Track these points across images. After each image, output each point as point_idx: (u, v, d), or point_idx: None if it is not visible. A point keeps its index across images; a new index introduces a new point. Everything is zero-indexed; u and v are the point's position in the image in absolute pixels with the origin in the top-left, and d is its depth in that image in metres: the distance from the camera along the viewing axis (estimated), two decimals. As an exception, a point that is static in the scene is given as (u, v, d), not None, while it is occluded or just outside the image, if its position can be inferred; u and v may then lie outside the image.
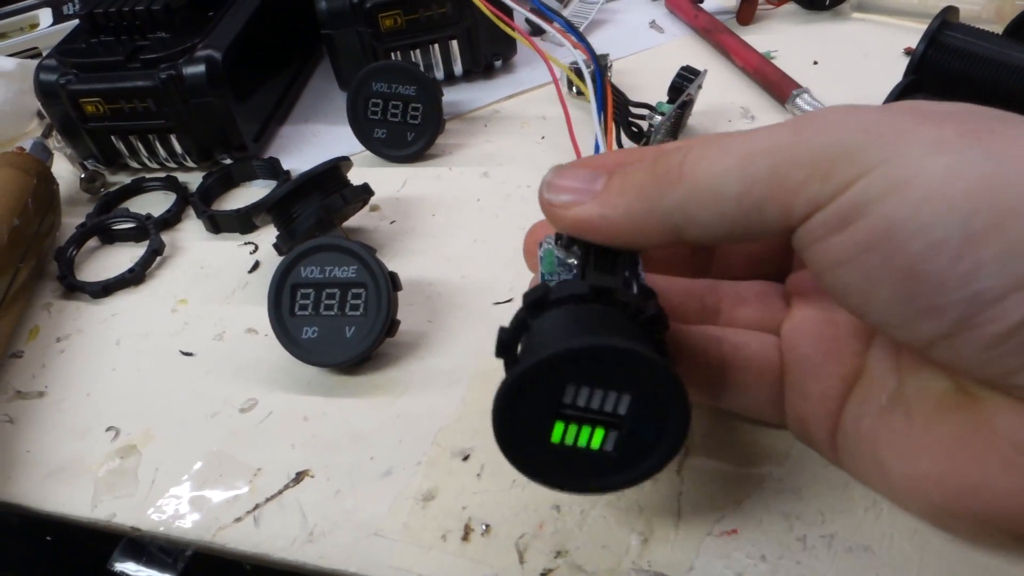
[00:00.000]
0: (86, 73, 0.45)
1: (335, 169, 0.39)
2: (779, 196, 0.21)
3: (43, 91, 0.46)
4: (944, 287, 0.18)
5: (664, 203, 0.23)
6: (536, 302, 0.23)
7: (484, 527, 0.28)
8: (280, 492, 0.30)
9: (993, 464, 0.20)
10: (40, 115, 0.56)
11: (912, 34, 0.50)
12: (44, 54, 0.62)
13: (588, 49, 0.43)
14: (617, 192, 0.24)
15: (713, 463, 0.29)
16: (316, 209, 0.37)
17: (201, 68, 0.43)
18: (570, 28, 0.45)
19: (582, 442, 0.22)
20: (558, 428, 0.22)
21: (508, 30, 0.45)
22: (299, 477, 0.31)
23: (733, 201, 0.21)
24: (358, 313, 0.34)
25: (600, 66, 0.39)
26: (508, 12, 0.46)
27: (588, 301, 0.23)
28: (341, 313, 0.34)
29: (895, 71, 0.47)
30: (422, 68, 0.49)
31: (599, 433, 0.22)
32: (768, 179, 0.21)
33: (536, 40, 0.55)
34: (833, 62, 0.49)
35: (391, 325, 0.34)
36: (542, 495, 0.28)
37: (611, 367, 0.21)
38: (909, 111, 0.20)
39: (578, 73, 0.45)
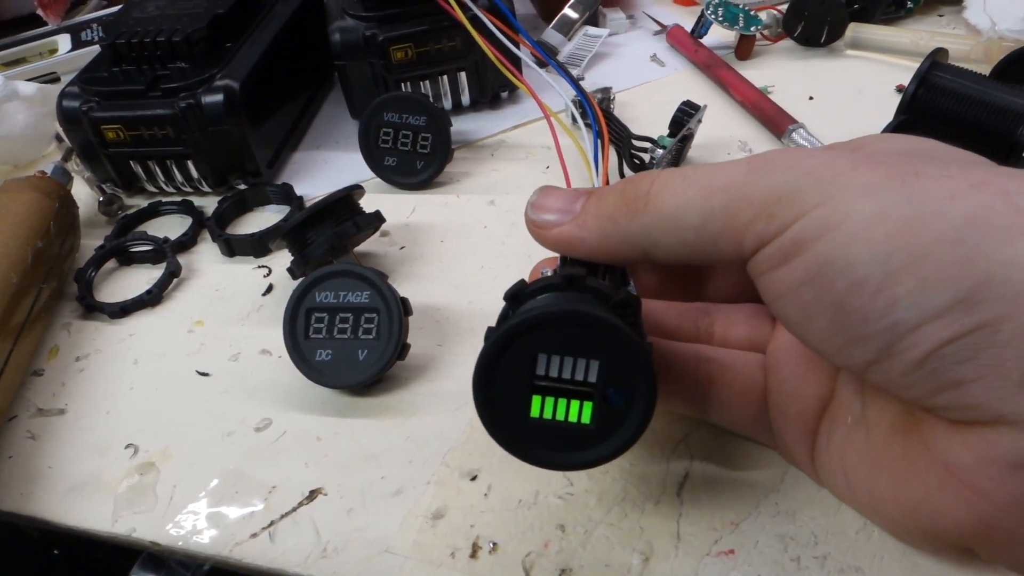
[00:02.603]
0: (108, 100, 0.46)
1: (348, 197, 0.41)
2: (731, 231, 0.23)
3: (66, 117, 0.47)
4: (867, 319, 0.21)
5: (631, 228, 0.25)
6: (514, 294, 0.26)
7: (492, 545, 0.29)
8: (294, 509, 0.32)
9: (932, 483, 0.22)
10: (58, 139, 0.57)
11: (904, 71, 0.52)
12: (62, 79, 0.64)
13: (579, 91, 0.44)
14: (592, 215, 0.26)
15: (712, 486, 0.30)
16: (330, 236, 0.39)
17: (219, 97, 0.45)
18: (563, 73, 0.47)
19: (560, 415, 0.24)
20: (536, 402, 0.24)
21: (509, 75, 0.46)
22: (312, 495, 0.32)
23: (692, 231, 0.24)
24: (371, 337, 0.35)
25: (592, 106, 0.41)
26: (513, 57, 0.48)
27: (561, 289, 0.25)
28: (354, 337, 0.35)
29: (887, 107, 0.49)
30: (431, 98, 0.51)
31: (575, 405, 0.24)
32: (723, 214, 0.23)
33: (535, 75, 0.57)
34: (828, 97, 0.51)
35: (402, 349, 0.35)
36: (547, 514, 0.30)
37: (577, 334, 0.23)
38: (849, 155, 0.23)
39: (571, 117, 0.47)
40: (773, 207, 0.22)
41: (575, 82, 0.43)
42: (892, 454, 0.24)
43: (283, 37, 0.52)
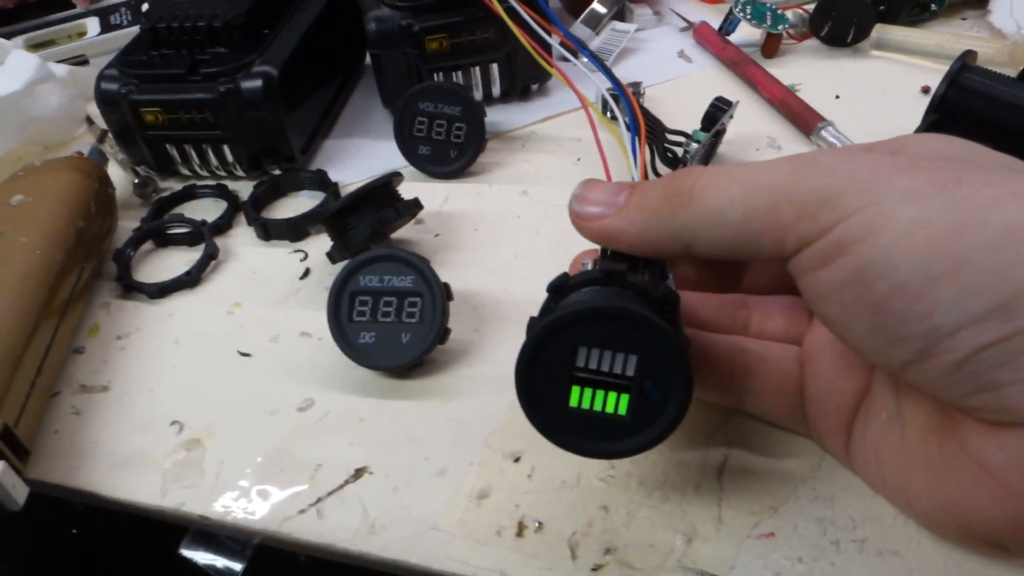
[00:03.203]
0: (147, 84, 0.47)
1: (388, 184, 0.41)
2: (774, 230, 0.24)
3: (104, 99, 0.48)
4: (907, 321, 0.21)
5: (674, 222, 0.26)
6: (557, 287, 0.27)
7: (537, 524, 0.30)
8: (341, 487, 0.32)
9: (968, 482, 0.23)
10: (89, 121, 0.58)
11: (929, 73, 0.53)
12: (91, 62, 0.64)
13: (614, 82, 0.45)
14: (635, 208, 0.27)
15: (750, 472, 0.31)
16: (371, 222, 0.40)
17: (259, 83, 0.46)
18: (596, 62, 0.47)
19: (597, 406, 0.24)
20: (575, 392, 0.25)
21: (544, 64, 0.47)
22: (358, 473, 0.33)
23: (734, 228, 0.24)
24: (414, 320, 0.36)
25: (629, 98, 0.41)
26: (547, 47, 0.49)
27: (602, 284, 0.26)
28: (398, 320, 0.36)
29: (913, 108, 0.49)
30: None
31: (612, 397, 0.24)
32: (766, 213, 0.24)
33: (567, 67, 0.58)
34: (854, 97, 0.52)
35: (444, 333, 0.36)
36: (590, 496, 0.31)
37: (617, 329, 0.24)
38: (892, 159, 0.23)
39: (604, 105, 0.48)
40: (816, 208, 0.23)
41: (610, 73, 0.44)
42: (927, 452, 0.25)
43: (318, 25, 0.52)
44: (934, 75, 0.52)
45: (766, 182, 0.24)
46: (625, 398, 0.25)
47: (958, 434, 0.23)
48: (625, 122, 0.40)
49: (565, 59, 0.58)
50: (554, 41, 0.47)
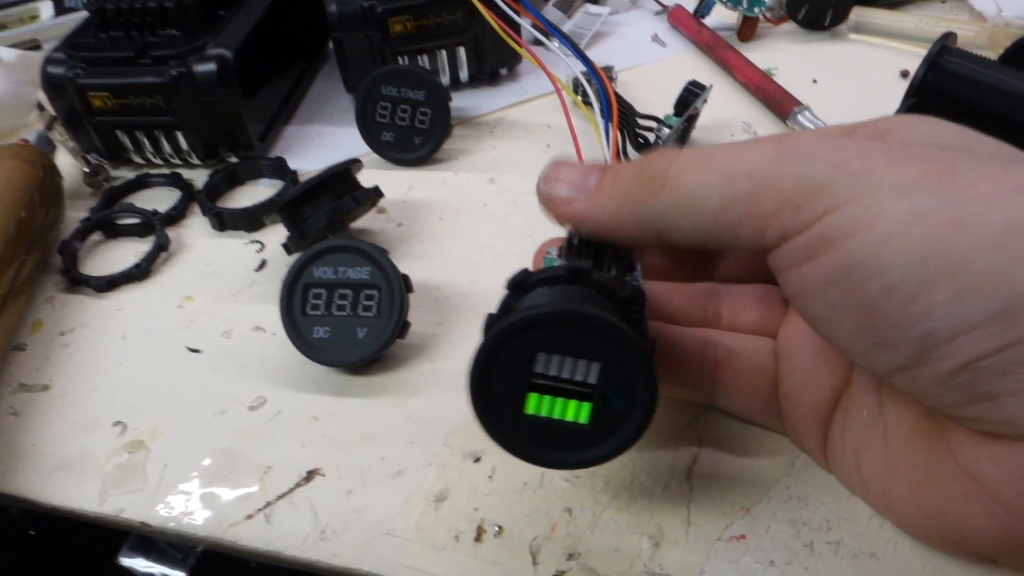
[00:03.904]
0: (95, 67, 0.45)
1: (346, 171, 0.39)
2: (753, 219, 0.22)
3: (50, 84, 0.45)
4: (899, 325, 0.20)
5: (647, 208, 0.24)
6: (517, 283, 0.25)
7: (497, 528, 0.28)
8: (291, 490, 0.31)
9: (957, 493, 0.21)
10: (40, 107, 0.55)
11: (907, 57, 0.52)
12: (44, 46, 0.62)
13: (587, 64, 0.43)
14: (607, 192, 0.25)
15: (722, 471, 0.29)
16: (328, 211, 0.38)
17: (212, 67, 0.44)
18: (569, 45, 0.45)
19: (556, 413, 0.23)
20: (532, 399, 0.23)
21: (515, 46, 0.45)
22: (310, 476, 0.31)
23: (711, 216, 0.22)
24: (371, 314, 0.34)
25: (603, 81, 0.40)
26: (516, 28, 0.47)
27: (566, 282, 0.24)
28: (353, 314, 0.34)
29: (892, 91, 0.48)
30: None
31: (572, 405, 0.23)
32: (745, 201, 0.22)
33: (539, 50, 0.56)
34: (832, 81, 0.51)
35: (403, 327, 0.34)
36: (554, 498, 0.29)
37: (579, 334, 0.22)
38: (882, 147, 0.21)
39: (577, 88, 0.46)
40: (800, 199, 0.21)
41: (583, 55, 0.42)
42: (912, 457, 0.23)
43: (277, 6, 0.50)
44: (913, 58, 0.51)
45: (746, 168, 0.22)
46: (586, 406, 0.23)
47: (947, 442, 0.22)
48: (600, 108, 0.38)
49: (538, 42, 0.56)
50: (525, 23, 0.46)
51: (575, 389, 0.23)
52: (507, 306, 0.25)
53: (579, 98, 0.50)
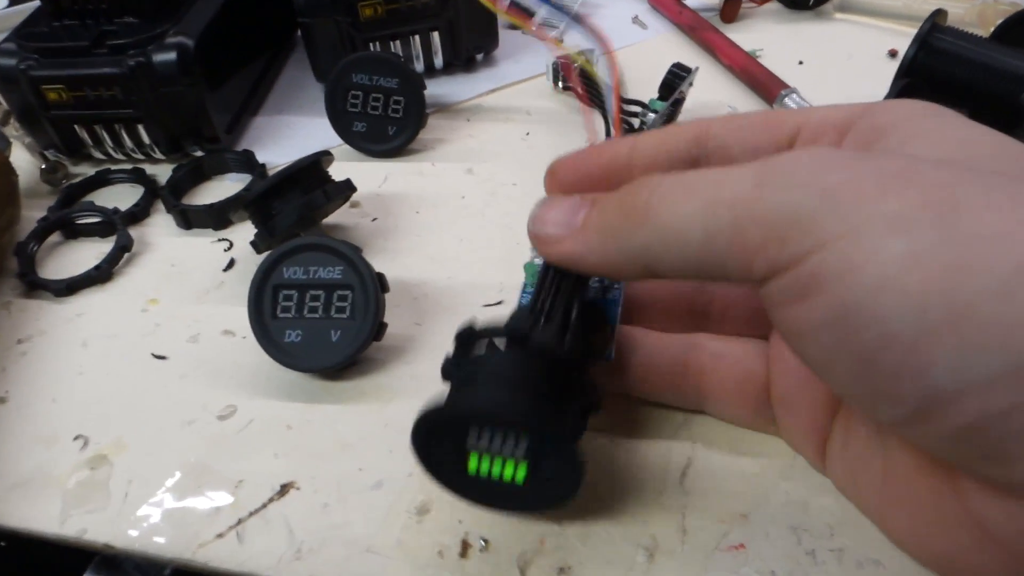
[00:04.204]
0: (48, 59, 0.42)
1: (316, 164, 0.37)
2: (739, 252, 0.20)
3: (1, 77, 0.43)
4: (898, 377, 0.18)
5: (631, 243, 0.22)
6: (464, 338, 0.26)
7: (483, 543, 0.27)
8: (264, 506, 0.29)
9: (965, 540, 0.20)
10: (-6, 101, 0.53)
11: (895, 36, 0.51)
12: (-2, 36, 0.59)
13: (586, 32, 0.41)
14: (593, 229, 0.24)
15: (717, 475, 0.28)
16: (297, 206, 0.36)
17: (172, 55, 0.41)
18: (560, 10, 0.43)
19: (495, 474, 0.24)
20: (472, 459, 0.24)
21: (501, 12, 0.43)
22: (284, 489, 0.29)
23: (695, 249, 0.21)
24: (344, 316, 0.32)
25: (608, 57, 0.38)
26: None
27: (508, 344, 0.25)
28: (326, 316, 0.32)
29: (880, 72, 0.47)
30: (402, 59, 0.47)
31: (509, 466, 0.24)
32: (729, 233, 0.20)
33: (515, 34, 0.54)
34: (818, 62, 0.49)
35: (379, 328, 0.33)
36: (541, 508, 0.28)
37: (506, 423, 0.23)
38: (875, 170, 0.19)
39: (556, 75, 0.44)
40: (785, 231, 0.19)
41: (577, 20, 0.40)
42: (916, 495, 0.21)
43: (241, -9, 0.48)
44: (901, 38, 0.50)
45: (728, 196, 0.20)
46: (523, 467, 0.24)
47: (956, 486, 0.20)
48: (568, 88, 0.37)
49: (512, 27, 0.55)
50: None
51: (510, 455, 0.24)
52: (455, 361, 0.26)
53: (558, 86, 0.48)
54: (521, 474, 0.24)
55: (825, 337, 0.19)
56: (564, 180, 0.27)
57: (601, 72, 0.40)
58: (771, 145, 0.24)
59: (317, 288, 0.32)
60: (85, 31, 0.43)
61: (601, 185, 0.27)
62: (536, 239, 0.25)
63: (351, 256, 0.32)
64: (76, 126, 0.44)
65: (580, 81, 0.45)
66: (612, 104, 0.34)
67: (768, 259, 0.19)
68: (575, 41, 0.42)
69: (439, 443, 0.24)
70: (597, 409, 0.26)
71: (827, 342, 0.19)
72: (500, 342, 0.25)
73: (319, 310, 0.32)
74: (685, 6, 0.53)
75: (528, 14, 0.46)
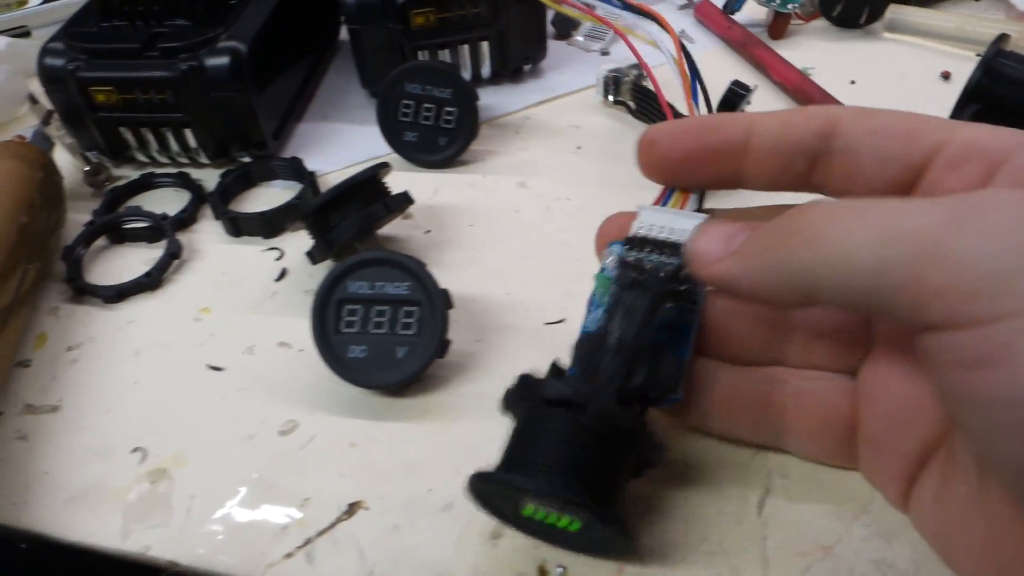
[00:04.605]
0: (98, 60, 0.42)
1: (375, 176, 0.37)
2: (914, 291, 0.18)
3: (48, 76, 0.42)
4: None
5: (793, 264, 0.21)
6: (520, 395, 0.26)
7: (561, 570, 0.26)
8: (333, 525, 0.28)
9: None
10: (32, 100, 0.52)
11: (946, 57, 0.50)
12: (34, 33, 0.58)
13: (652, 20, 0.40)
14: (752, 250, 0.23)
15: (795, 505, 0.27)
16: (357, 219, 0.35)
17: (225, 60, 0.41)
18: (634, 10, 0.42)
19: (550, 521, 0.25)
20: (527, 509, 0.25)
21: (574, 13, 0.42)
22: (352, 509, 0.29)
23: (863, 277, 0.19)
24: (410, 332, 0.32)
25: (674, 41, 0.37)
26: (543, 11, 0.44)
27: (564, 407, 0.25)
28: (391, 332, 0.32)
29: (933, 94, 0.47)
30: (450, 69, 0.47)
31: (564, 520, 0.24)
32: (905, 267, 0.18)
33: (561, 46, 0.54)
34: (870, 82, 0.49)
35: (443, 345, 0.32)
36: (618, 535, 0.27)
37: (561, 502, 0.24)
38: None
39: (607, 88, 0.44)
40: (976, 283, 0.17)
41: (647, 12, 0.39)
42: (1020, 556, 0.20)
43: (290, -4, 0.48)
44: (952, 59, 0.50)
45: (909, 227, 0.18)
46: (577, 523, 0.25)
47: None
48: (619, 102, 0.36)
49: (561, 36, 0.54)
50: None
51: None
52: (514, 400, 0.26)
53: (607, 99, 0.48)
54: (576, 526, 0.25)
55: (1005, 413, 0.17)
56: (666, 154, 0.26)
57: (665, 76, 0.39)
58: (906, 158, 0.23)
59: (383, 303, 0.32)
60: (135, 33, 0.42)
61: (711, 166, 0.26)
62: (691, 258, 0.24)
63: (418, 272, 0.32)
64: (122, 128, 0.44)
65: (632, 95, 0.45)
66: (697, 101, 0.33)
67: (948, 307, 0.18)
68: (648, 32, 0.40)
69: (496, 496, 0.25)
70: (655, 467, 0.26)
71: (1006, 419, 0.17)
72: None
73: (384, 326, 0.32)
74: (734, 21, 0.53)
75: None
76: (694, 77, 0.35)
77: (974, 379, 0.18)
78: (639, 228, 0.28)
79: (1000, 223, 0.18)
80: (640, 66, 0.45)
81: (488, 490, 0.25)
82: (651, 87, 0.44)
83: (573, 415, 0.24)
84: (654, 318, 0.26)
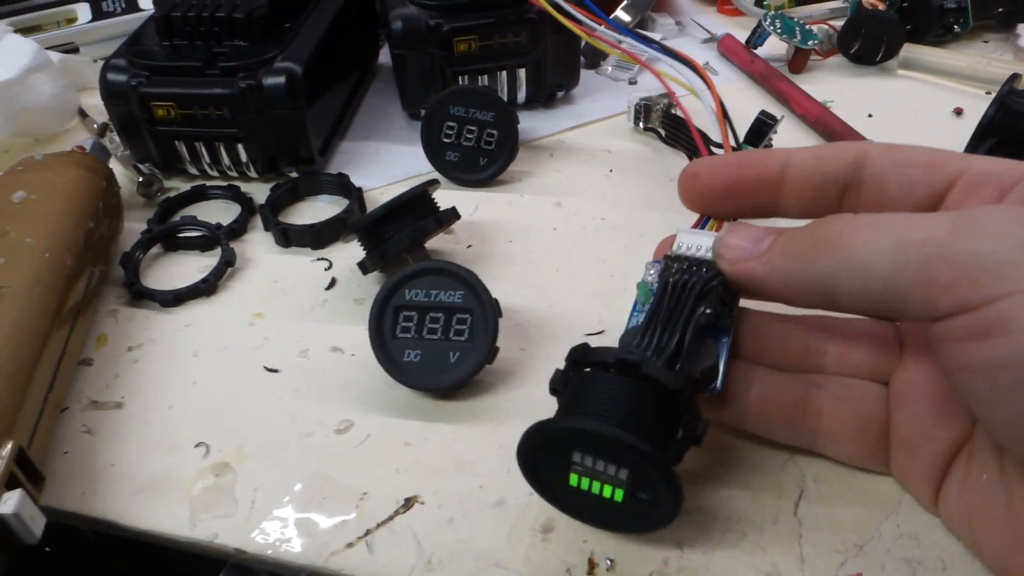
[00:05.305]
0: (160, 76, 0.44)
1: (425, 192, 0.39)
2: (926, 288, 0.21)
3: (110, 91, 0.44)
4: None
5: (817, 268, 0.24)
6: (574, 360, 0.28)
7: (609, 562, 0.28)
8: (391, 518, 0.30)
9: None
10: (82, 113, 0.54)
11: (958, 95, 0.53)
12: (82, 50, 0.61)
13: (682, 61, 0.42)
14: (779, 253, 0.26)
15: (828, 505, 0.29)
16: (410, 232, 0.37)
17: (281, 80, 0.43)
18: (661, 50, 0.45)
19: (595, 490, 0.26)
20: (573, 477, 0.26)
21: (605, 47, 0.44)
22: (408, 503, 0.31)
23: (881, 281, 0.22)
24: (463, 339, 0.34)
25: (702, 75, 0.40)
26: (578, 39, 0.47)
27: (616, 372, 0.26)
28: (445, 337, 0.34)
29: (947, 129, 0.49)
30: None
31: (608, 488, 0.26)
32: (917, 270, 0.22)
33: (590, 74, 0.56)
34: (887, 117, 0.51)
35: (492, 352, 0.34)
36: (662, 532, 0.29)
37: (606, 445, 0.25)
38: None
39: (637, 116, 0.46)
40: (978, 274, 0.20)
41: (676, 54, 0.41)
42: None
43: (338, 20, 0.50)
44: (965, 97, 0.52)
45: (921, 236, 0.22)
46: (620, 492, 0.26)
47: None
48: (650, 129, 0.38)
49: (589, 67, 0.57)
50: (604, 32, 0.45)
51: (610, 478, 0.26)
52: (567, 373, 0.28)
53: (638, 126, 0.50)
54: (619, 495, 0.26)
55: (1002, 376, 0.20)
56: (708, 185, 0.29)
57: (694, 105, 0.41)
58: (929, 185, 0.26)
59: (437, 311, 0.34)
60: (195, 52, 0.44)
61: (750, 196, 0.28)
62: (721, 255, 0.27)
63: (471, 282, 0.34)
64: (177, 142, 0.46)
65: (661, 122, 0.47)
66: (721, 134, 0.36)
67: (955, 297, 0.21)
68: (672, 68, 0.43)
69: (544, 456, 0.26)
70: (698, 442, 0.27)
71: (1004, 381, 0.20)
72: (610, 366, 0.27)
73: (438, 332, 0.34)
74: (757, 55, 0.55)
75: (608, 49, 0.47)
76: (724, 112, 0.37)
77: (976, 349, 0.21)
78: (677, 247, 0.30)
79: (997, 227, 0.21)
80: (669, 95, 0.48)
81: (538, 457, 0.26)
82: (680, 115, 0.46)
83: (624, 375, 0.26)
84: (699, 305, 0.28)
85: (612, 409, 0.25)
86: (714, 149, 0.43)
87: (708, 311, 0.28)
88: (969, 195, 0.25)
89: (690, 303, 0.28)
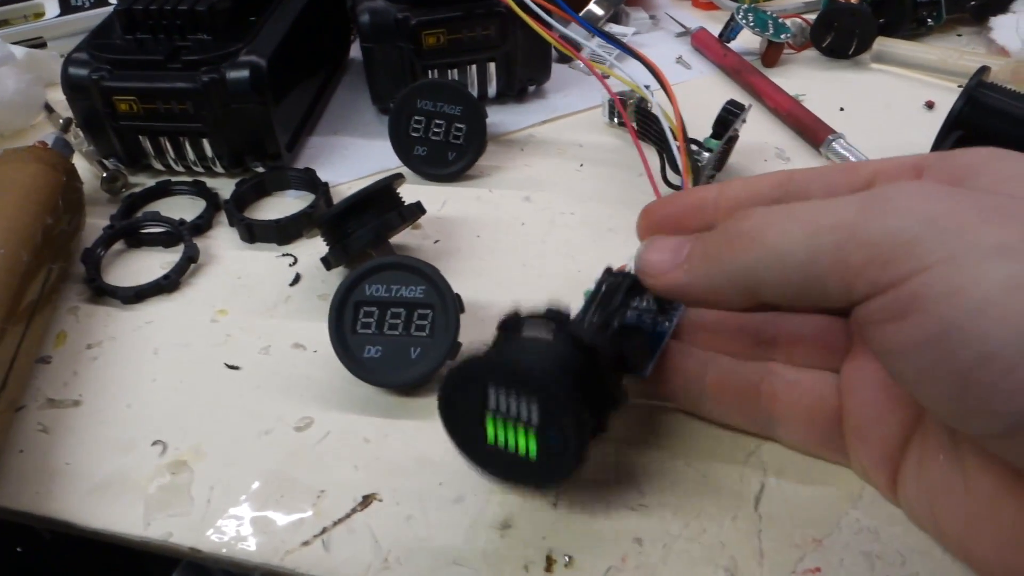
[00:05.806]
0: (122, 70, 0.43)
1: (390, 186, 0.39)
2: (840, 273, 0.21)
3: (71, 85, 0.44)
4: (994, 395, 0.19)
5: (735, 266, 0.24)
6: (505, 324, 0.28)
7: (567, 559, 0.28)
8: (348, 516, 0.30)
9: None
10: (48, 108, 0.54)
11: (930, 88, 0.53)
12: (50, 44, 0.60)
13: (647, 66, 0.42)
14: (698, 258, 0.25)
15: (789, 500, 0.29)
16: (373, 227, 0.37)
17: (245, 74, 0.42)
18: (618, 45, 0.45)
19: (510, 445, 0.26)
20: (490, 427, 0.26)
21: (562, 47, 0.44)
22: (366, 501, 0.30)
23: (798, 270, 0.22)
24: (424, 334, 0.33)
25: (662, 81, 0.40)
26: (547, 45, 0.46)
27: (545, 320, 0.27)
28: (406, 333, 0.33)
29: (918, 122, 0.49)
30: (457, 88, 0.49)
31: (522, 439, 0.26)
32: (831, 255, 0.21)
33: (563, 68, 0.56)
34: (858, 110, 0.51)
35: (455, 348, 0.34)
36: (622, 527, 0.29)
37: (521, 382, 0.25)
38: (973, 199, 0.21)
39: (612, 112, 0.46)
40: (888, 253, 0.20)
41: (639, 57, 0.41)
42: (998, 516, 0.22)
43: (306, 15, 0.49)
44: (936, 90, 0.52)
45: (831, 221, 0.21)
46: (532, 441, 0.26)
47: None
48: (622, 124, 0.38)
49: (563, 59, 0.56)
50: (569, 29, 0.45)
51: (522, 425, 0.26)
52: (495, 342, 0.28)
53: (613, 121, 0.50)
54: (532, 446, 0.26)
55: (923, 355, 0.20)
56: (654, 219, 0.29)
57: (658, 107, 0.42)
58: (848, 187, 0.26)
59: (398, 306, 0.33)
60: (158, 46, 0.44)
61: (690, 223, 0.29)
62: (642, 271, 0.27)
63: (433, 277, 0.33)
64: (141, 137, 0.45)
65: (635, 117, 0.47)
66: (672, 140, 0.36)
67: (870, 279, 0.20)
68: (626, 74, 0.43)
69: (462, 400, 0.26)
70: (616, 407, 0.27)
71: (924, 360, 0.20)
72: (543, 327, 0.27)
73: (399, 327, 0.33)
74: (729, 49, 0.55)
75: (577, 47, 0.47)
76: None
77: (897, 331, 0.20)
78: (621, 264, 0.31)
79: (905, 202, 0.21)
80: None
81: (456, 402, 0.27)
82: (653, 111, 0.46)
83: (551, 335, 0.27)
84: (629, 299, 0.30)
85: (529, 353, 0.26)
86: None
87: (643, 303, 0.31)
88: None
89: (620, 295, 0.30)
